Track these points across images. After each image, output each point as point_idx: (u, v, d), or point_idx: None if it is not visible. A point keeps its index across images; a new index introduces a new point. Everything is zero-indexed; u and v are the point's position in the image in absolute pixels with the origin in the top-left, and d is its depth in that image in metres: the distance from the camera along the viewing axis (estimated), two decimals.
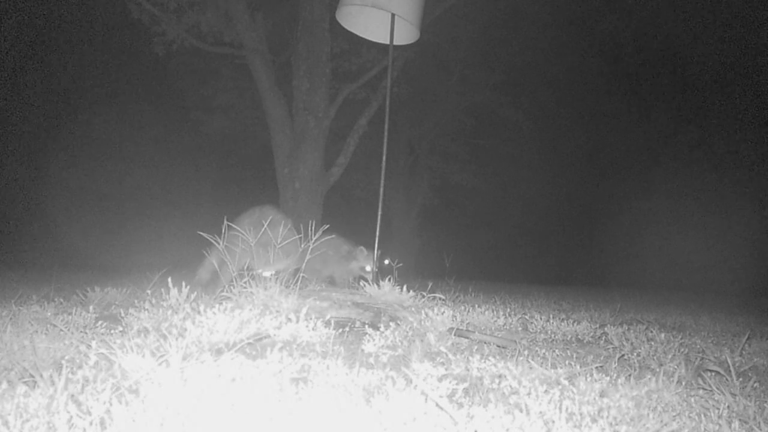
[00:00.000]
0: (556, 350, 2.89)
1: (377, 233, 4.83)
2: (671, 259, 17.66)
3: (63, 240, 14.47)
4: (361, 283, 4.02)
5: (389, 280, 3.83)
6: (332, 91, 8.21)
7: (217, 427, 1.43)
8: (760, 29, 13.98)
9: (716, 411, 1.85)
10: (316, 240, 3.77)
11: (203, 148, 15.63)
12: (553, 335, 3.29)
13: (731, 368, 2.26)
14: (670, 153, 19.16)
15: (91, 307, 3.06)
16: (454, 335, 2.84)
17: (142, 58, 12.53)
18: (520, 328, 3.51)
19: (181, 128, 14.60)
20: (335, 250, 4.84)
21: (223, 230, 3.40)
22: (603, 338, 3.33)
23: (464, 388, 1.92)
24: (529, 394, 1.81)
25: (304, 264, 3.79)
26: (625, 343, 2.95)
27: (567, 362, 2.53)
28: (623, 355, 2.77)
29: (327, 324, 2.80)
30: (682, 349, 2.85)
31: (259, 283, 3.26)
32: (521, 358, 2.47)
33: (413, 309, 3.51)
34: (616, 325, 3.45)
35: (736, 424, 1.73)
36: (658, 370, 2.46)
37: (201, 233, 3.36)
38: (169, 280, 2.86)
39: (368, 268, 4.71)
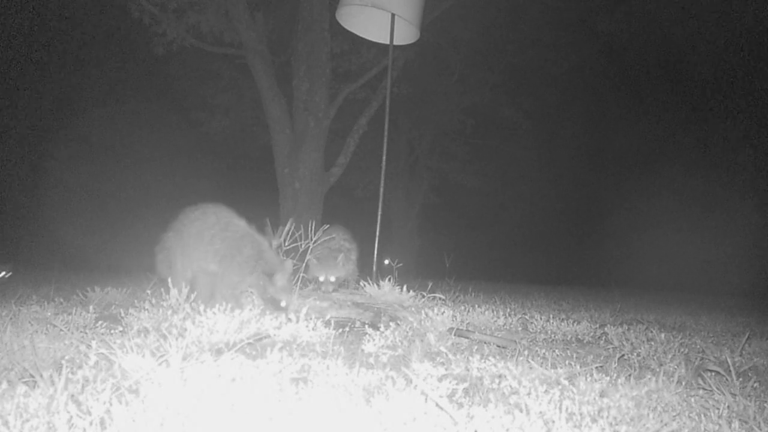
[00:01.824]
0: (556, 350, 2.89)
1: (377, 233, 4.84)
2: (671, 259, 17.66)
3: (63, 240, 14.46)
4: (360, 284, 4.02)
5: (389, 280, 3.83)
6: (332, 91, 8.20)
7: (217, 427, 1.43)
8: (760, 29, 13.98)
9: (716, 411, 1.85)
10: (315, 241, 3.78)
11: (203, 148, 15.63)
12: (553, 335, 3.29)
13: (731, 368, 2.26)
14: (670, 153, 19.16)
15: (91, 307, 3.06)
16: (454, 335, 2.84)
17: (142, 58, 12.53)
18: (520, 328, 3.51)
19: (181, 128, 14.60)
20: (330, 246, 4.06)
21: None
22: (603, 338, 3.33)
23: (464, 388, 1.92)
24: (529, 394, 1.81)
25: (303, 264, 3.78)
26: (625, 343, 2.95)
27: (567, 362, 2.53)
28: (623, 355, 2.77)
29: (327, 324, 2.80)
30: (682, 349, 2.85)
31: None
32: (521, 358, 2.47)
33: (413, 309, 3.51)
34: (616, 325, 3.45)
35: (736, 424, 1.73)
36: (658, 370, 2.47)
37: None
38: (169, 280, 2.86)
39: (321, 279, 3.85)
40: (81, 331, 2.60)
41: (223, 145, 14.49)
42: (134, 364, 1.80)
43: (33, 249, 14.75)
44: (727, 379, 2.30)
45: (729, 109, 17.34)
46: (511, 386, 1.95)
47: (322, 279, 3.83)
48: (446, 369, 2.23)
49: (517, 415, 1.56)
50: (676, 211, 18.40)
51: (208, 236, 3.20)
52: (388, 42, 4.95)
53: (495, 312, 3.58)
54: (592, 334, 3.36)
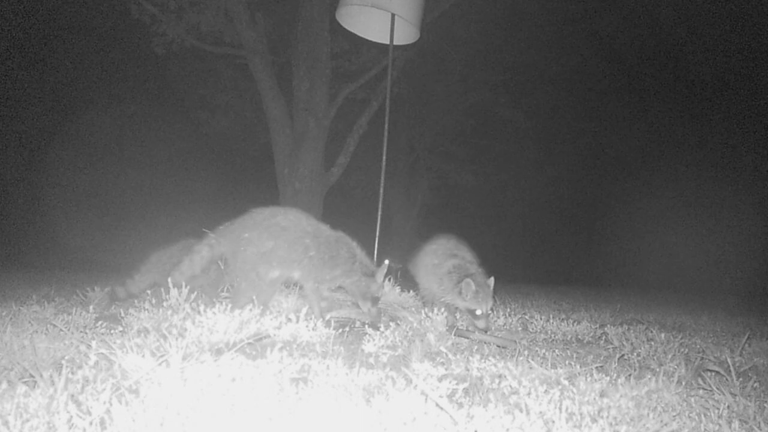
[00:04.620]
0: (556, 350, 2.89)
1: (377, 233, 4.84)
2: (671, 259, 17.66)
3: (63, 240, 14.47)
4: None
5: (389, 280, 3.83)
6: (332, 91, 8.21)
7: (217, 427, 1.43)
8: (759, 29, 13.99)
9: (716, 411, 1.85)
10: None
11: (203, 148, 15.62)
12: (553, 335, 3.29)
13: (731, 368, 2.26)
14: (670, 153, 19.15)
15: (91, 307, 3.06)
16: (454, 335, 2.84)
17: (142, 58, 12.53)
18: (520, 328, 3.51)
19: (181, 128, 14.60)
20: (439, 259, 3.34)
21: None
22: (603, 338, 3.33)
23: (464, 388, 1.92)
24: (529, 394, 1.81)
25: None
26: (625, 343, 2.95)
27: (567, 362, 2.53)
28: (623, 355, 2.77)
29: (327, 324, 2.80)
30: (682, 349, 2.85)
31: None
32: (521, 358, 2.47)
33: (413, 309, 3.51)
34: (616, 325, 3.45)
35: (736, 424, 1.73)
36: (658, 370, 2.46)
37: (206, 230, 3.34)
38: (169, 280, 2.86)
39: (479, 312, 3.03)
40: (81, 331, 2.60)
41: (223, 145, 14.49)
42: (134, 364, 1.80)
43: (33, 249, 14.76)
44: (727, 379, 2.30)
45: (729, 108, 17.33)
46: (511, 386, 1.95)
47: (479, 312, 3.03)
48: (446, 369, 2.23)
49: (517, 415, 1.56)
50: (676, 211, 18.41)
51: (302, 244, 3.07)
52: (388, 42, 4.95)
53: (495, 312, 3.58)
54: (592, 334, 3.36)
